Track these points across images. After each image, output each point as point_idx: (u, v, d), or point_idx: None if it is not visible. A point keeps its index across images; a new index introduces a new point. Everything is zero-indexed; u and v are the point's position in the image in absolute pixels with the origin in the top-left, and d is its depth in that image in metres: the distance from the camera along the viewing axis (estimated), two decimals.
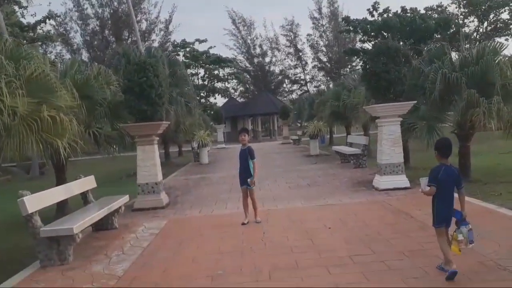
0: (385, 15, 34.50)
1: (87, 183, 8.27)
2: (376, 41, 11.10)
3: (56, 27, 49.82)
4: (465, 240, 4.39)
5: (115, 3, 51.16)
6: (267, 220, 7.92)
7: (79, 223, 6.16)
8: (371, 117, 14.12)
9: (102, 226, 8.13)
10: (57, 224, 6.14)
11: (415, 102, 10.29)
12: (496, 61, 9.98)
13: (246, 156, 7.73)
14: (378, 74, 10.11)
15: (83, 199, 8.29)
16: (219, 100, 60.98)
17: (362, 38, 36.92)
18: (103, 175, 18.49)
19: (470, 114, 10.10)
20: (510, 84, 9.90)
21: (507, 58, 10.73)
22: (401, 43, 25.81)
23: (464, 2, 42.24)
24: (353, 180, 12.24)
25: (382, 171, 10.25)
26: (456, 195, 4.62)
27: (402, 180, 10.17)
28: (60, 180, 10.40)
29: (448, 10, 41.41)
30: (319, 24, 66.46)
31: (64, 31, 50.95)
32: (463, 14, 43.05)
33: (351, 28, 36.48)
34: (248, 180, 7.69)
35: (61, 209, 10.05)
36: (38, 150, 6.80)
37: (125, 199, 8.44)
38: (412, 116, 10.85)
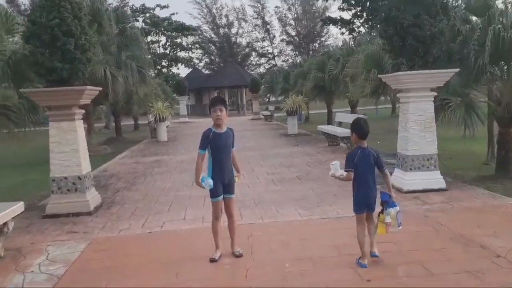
0: None
1: None
2: None
3: None
4: (394, 222, 4.17)
5: None
6: (252, 250, 4.80)
7: None
8: (373, 91, 11.21)
9: None
10: None
11: (457, 70, 7.29)
12: None
13: (229, 145, 4.54)
14: (406, 29, 7.06)
15: None
16: (182, 71, 57.17)
17: (341, 6, 33.80)
18: (37, 151, 14.80)
19: None
20: None
21: None
22: None
23: None
24: None
25: (408, 165, 7.30)
26: None
27: (436, 179, 7.27)
28: None
29: None
30: None
31: None
32: None
33: None
34: (236, 178, 4.61)
35: None
36: None
37: (15, 210, 5.13)
38: (441, 90, 7.92)
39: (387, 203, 4.21)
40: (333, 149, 13.07)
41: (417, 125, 7.27)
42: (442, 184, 7.26)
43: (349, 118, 13.69)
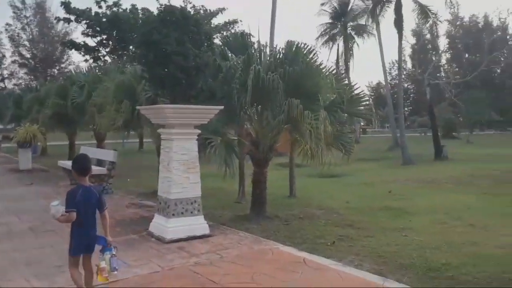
0: (115, 9, 30.35)
1: None
2: (164, 5, 7.09)
3: None
4: (108, 267, 4.02)
5: None
6: None
7: None
8: (125, 123, 10.20)
9: None
10: None
11: (222, 107, 6.93)
12: (318, 64, 7.74)
13: None
14: (169, 57, 6.37)
15: None
16: None
17: (85, 31, 31.60)
18: None
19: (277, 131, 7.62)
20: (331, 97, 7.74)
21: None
22: None
23: None
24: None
25: (171, 210, 6.45)
26: None
27: (199, 224, 6.64)
28: None
29: None
30: (22, 15, 56.85)
31: None
32: None
33: (72, 18, 30.73)
34: None
35: None
36: None
37: None
38: (201, 129, 7.51)
39: (104, 248, 4.10)
40: None
41: (181, 165, 6.55)
42: (206, 230, 6.69)
43: (99, 153, 12.24)
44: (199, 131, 6.81)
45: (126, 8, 30.93)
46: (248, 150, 8.54)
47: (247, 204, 8.92)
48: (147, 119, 7.58)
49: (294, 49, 7.82)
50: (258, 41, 8.42)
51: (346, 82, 8.02)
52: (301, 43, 7.95)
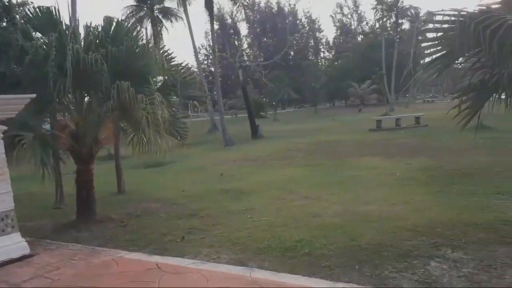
0: None
1: None
2: None
3: None
4: None
5: None
6: None
7: None
8: None
9: None
10: None
11: (34, 96, 5.54)
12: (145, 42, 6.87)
13: None
14: None
15: None
16: None
17: None
18: None
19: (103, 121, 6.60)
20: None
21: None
22: None
23: None
24: None
25: None
26: None
27: (16, 244, 5.27)
28: None
29: None
30: None
31: None
32: None
33: None
34: None
35: None
36: None
37: None
38: (7, 124, 5.98)
39: None
40: None
41: None
42: (26, 249, 5.38)
43: None
44: (5, 127, 5.37)
45: None
46: (67, 145, 7.24)
47: (69, 209, 7.72)
48: None
49: (114, 26, 6.81)
50: (69, 17, 7.11)
51: (176, 62, 7.30)
52: (121, 20, 6.99)
